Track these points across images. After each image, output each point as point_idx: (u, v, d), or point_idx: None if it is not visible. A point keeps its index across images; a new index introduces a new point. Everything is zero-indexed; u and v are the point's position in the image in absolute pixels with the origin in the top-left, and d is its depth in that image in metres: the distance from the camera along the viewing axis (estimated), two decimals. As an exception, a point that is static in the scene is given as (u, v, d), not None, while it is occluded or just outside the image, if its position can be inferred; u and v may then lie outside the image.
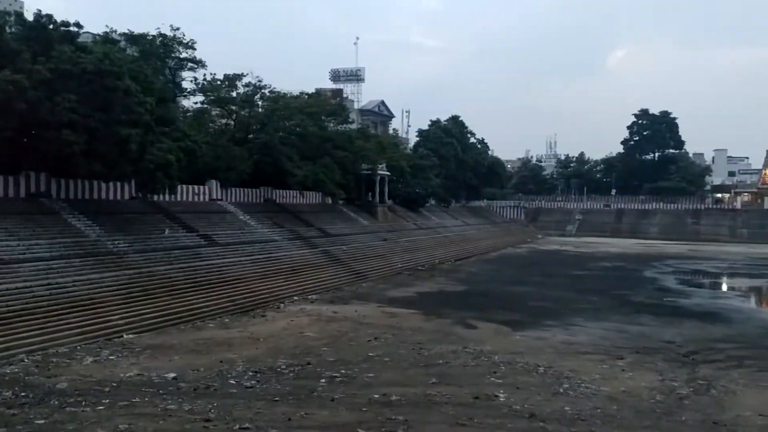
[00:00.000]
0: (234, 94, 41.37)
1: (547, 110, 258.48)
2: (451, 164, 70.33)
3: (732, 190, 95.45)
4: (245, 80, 41.15)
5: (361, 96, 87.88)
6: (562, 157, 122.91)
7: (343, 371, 15.44)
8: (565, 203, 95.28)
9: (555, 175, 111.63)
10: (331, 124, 48.21)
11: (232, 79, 40.79)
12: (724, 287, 38.57)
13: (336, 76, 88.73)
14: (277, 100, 42.47)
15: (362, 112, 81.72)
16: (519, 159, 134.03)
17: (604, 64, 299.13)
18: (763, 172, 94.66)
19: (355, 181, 49.12)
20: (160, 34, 37.01)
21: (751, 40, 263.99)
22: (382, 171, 51.90)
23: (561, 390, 14.21)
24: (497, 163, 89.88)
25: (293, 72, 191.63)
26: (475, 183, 78.52)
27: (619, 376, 15.59)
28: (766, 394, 14.27)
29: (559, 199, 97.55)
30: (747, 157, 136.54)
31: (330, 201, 45.83)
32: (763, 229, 77.76)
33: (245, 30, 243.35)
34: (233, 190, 37.36)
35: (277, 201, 40.66)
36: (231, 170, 36.30)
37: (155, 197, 29.84)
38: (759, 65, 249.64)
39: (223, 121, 43.09)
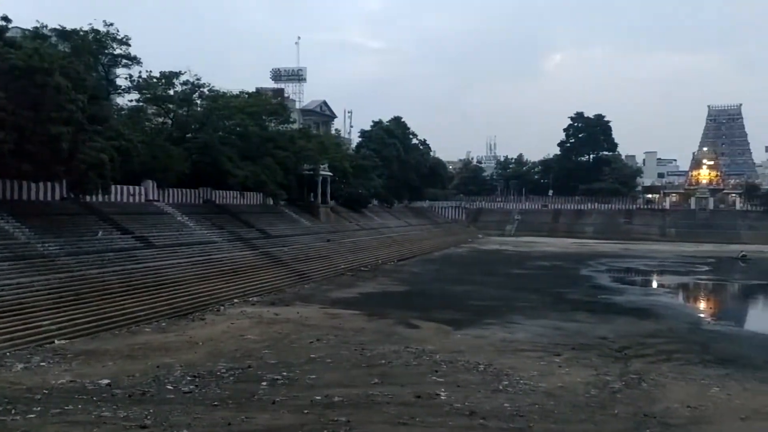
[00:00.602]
0: (171, 92, 40.24)
1: (487, 112, 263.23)
2: (394, 165, 70.67)
3: (661, 191, 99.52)
4: (183, 78, 40.03)
5: (303, 96, 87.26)
6: (502, 159, 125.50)
7: (284, 373, 15.27)
8: (504, 204, 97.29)
9: (495, 176, 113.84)
10: (273, 124, 47.65)
11: (168, 77, 39.68)
12: (655, 284, 40.14)
13: (277, 75, 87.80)
14: (217, 99, 41.62)
15: (304, 112, 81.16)
16: (460, 160, 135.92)
17: (543, 68, 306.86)
18: (690, 173, 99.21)
19: (297, 181, 48.68)
20: (93, 30, 35.66)
21: (680, 46, 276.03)
22: (325, 171, 51.67)
23: (500, 387, 14.46)
24: (439, 164, 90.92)
25: (233, 71, 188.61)
26: (417, 184, 79.14)
27: (556, 372, 15.99)
28: (693, 386, 14.88)
29: (498, 200, 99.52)
30: (675, 160, 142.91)
31: (271, 202, 45.28)
32: (690, 228, 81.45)
33: (182, 27, 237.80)
34: (171, 190, 36.43)
35: (217, 202, 39.89)
36: (168, 170, 35.36)
37: (88, 198, 28.72)
38: (687, 71, 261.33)
39: (160, 119, 41.93)
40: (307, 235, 43.09)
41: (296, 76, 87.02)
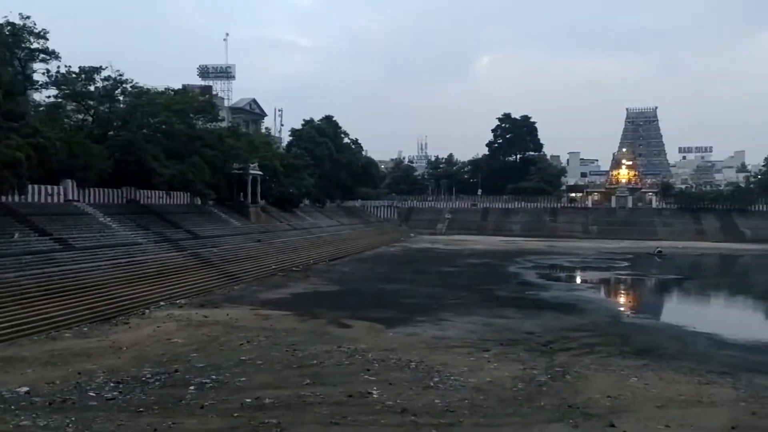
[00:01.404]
0: (92, 88, 38.54)
1: (418, 112, 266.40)
2: (326, 164, 70.41)
3: (584, 190, 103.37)
4: (104, 74, 38.39)
5: (232, 94, 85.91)
6: (433, 159, 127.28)
7: (213, 377, 14.95)
8: (435, 203, 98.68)
9: (426, 176, 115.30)
10: (200, 122, 46.49)
11: (89, 72, 38.01)
12: (578, 280, 41.61)
13: (205, 72, 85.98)
14: (141, 95, 40.18)
15: (233, 110, 79.84)
16: (392, 160, 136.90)
17: (473, 69, 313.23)
18: (610, 173, 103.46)
19: (226, 180, 47.76)
20: (8, 23, 33.72)
21: (600, 51, 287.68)
22: (254, 170, 50.91)
23: (432, 384, 14.65)
24: (371, 163, 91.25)
25: (158, 67, 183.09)
26: (349, 183, 79.13)
27: (485, 367, 16.33)
28: (613, 377, 15.52)
29: (430, 199, 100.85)
30: (597, 160, 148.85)
31: (199, 201, 44.25)
32: (611, 225, 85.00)
33: (104, 21, 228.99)
34: (92, 190, 35.02)
35: (142, 202, 38.63)
36: (89, 169, 33.93)
37: (3, 198, 27.27)
38: (607, 74, 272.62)
39: (80, 116, 40.19)
40: (237, 236, 42.35)
41: (225, 73, 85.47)
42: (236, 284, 32.19)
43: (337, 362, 16.66)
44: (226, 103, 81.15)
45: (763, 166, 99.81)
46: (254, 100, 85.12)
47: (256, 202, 51.52)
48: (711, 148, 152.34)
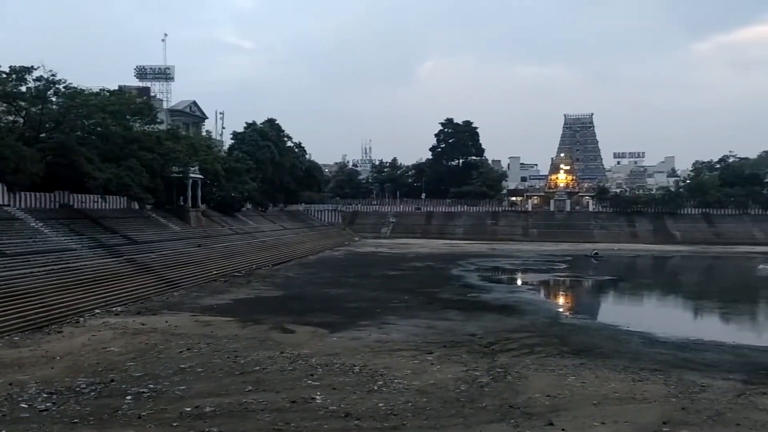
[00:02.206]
0: (23, 88, 36.96)
1: (363, 116, 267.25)
2: (268, 168, 69.62)
3: (524, 194, 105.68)
4: (36, 74, 36.79)
5: (171, 95, 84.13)
6: (377, 163, 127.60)
7: (151, 386, 14.55)
8: (380, 207, 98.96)
9: (370, 180, 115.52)
10: (137, 125, 45.19)
11: (20, 72, 36.36)
12: (519, 282, 42.48)
13: (142, 73, 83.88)
14: (74, 96, 38.65)
15: (172, 112, 78.13)
16: (336, 163, 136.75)
17: (417, 73, 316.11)
18: (549, 177, 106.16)
19: (165, 184, 46.56)
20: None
21: (542, 58, 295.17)
22: (195, 174, 49.87)
23: (375, 387, 14.67)
24: (315, 167, 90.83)
25: (94, 68, 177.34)
26: (293, 187, 78.50)
27: (428, 369, 16.46)
28: (552, 376, 15.90)
29: (374, 203, 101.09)
30: (536, 164, 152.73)
31: (137, 206, 43.01)
32: (550, 228, 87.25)
33: (38, 20, 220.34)
34: (23, 194, 33.58)
35: (76, 206, 37.28)
36: (19, 172, 32.46)
37: None
38: (546, 81, 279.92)
39: (10, 118, 38.44)
40: (177, 241, 41.38)
41: (163, 74, 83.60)
42: (176, 290, 31.43)
43: (280, 368, 16.48)
44: (165, 105, 79.30)
45: (691, 171, 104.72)
46: (194, 103, 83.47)
47: (197, 207, 50.49)
48: (643, 153, 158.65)
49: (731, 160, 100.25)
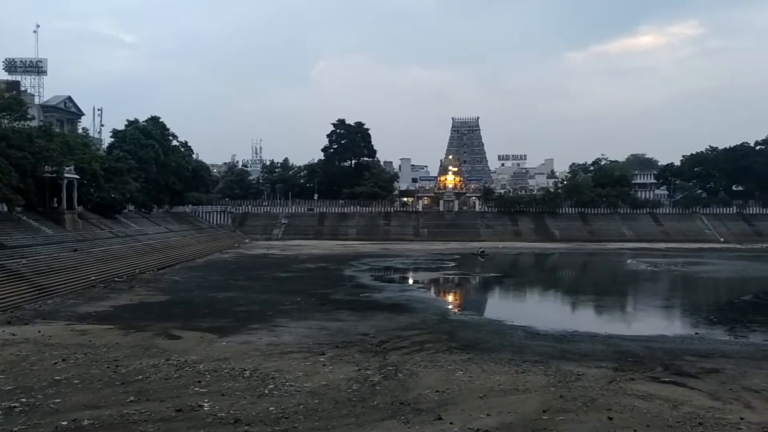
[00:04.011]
0: None
1: (253, 115, 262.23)
2: (152, 168, 66.66)
3: (415, 195, 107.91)
4: None
5: (44, 90, 78.70)
6: (268, 163, 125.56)
7: (23, 400, 13.48)
8: (271, 208, 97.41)
9: (261, 180, 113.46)
10: (6, 121, 41.82)
11: None
12: (410, 281, 43.30)
13: (11, 66, 77.93)
14: (-69, 88, 35.29)
15: (45, 108, 73.09)
16: (225, 164, 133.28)
17: (309, 73, 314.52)
18: (438, 179, 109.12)
19: (37, 185, 43.38)
20: None
21: (430, 63, 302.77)
22: (70, 174, 46.79)
23: (266, 391, 14.40)
24: (202, 167, 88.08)
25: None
26: (179, 188, 75.64)
27: (320, 371, 16.38)
28: (441, 372, 16.32)
29: (265, 204, 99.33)
30: (426, 166, 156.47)
31: (5, 208, 39.74)
32: (439, 228, 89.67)
33: None
34: None
35: (-68, 209, 33.94)
36: None
37: None
38: (434, 84, 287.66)
39: None
40: (51, 245, 38.66)
41: (35, 68, 78.03)
42: (50, 298, 29.33)
43: (165, 376, 15.78)
44: (36, 101, 73.98)
45: (568, 173, 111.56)
46: (70, 98, 78.42)
47: (73, 209, 47.41)
48: (525, 156, 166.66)
49: (603, 162, 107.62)
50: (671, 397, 13.90)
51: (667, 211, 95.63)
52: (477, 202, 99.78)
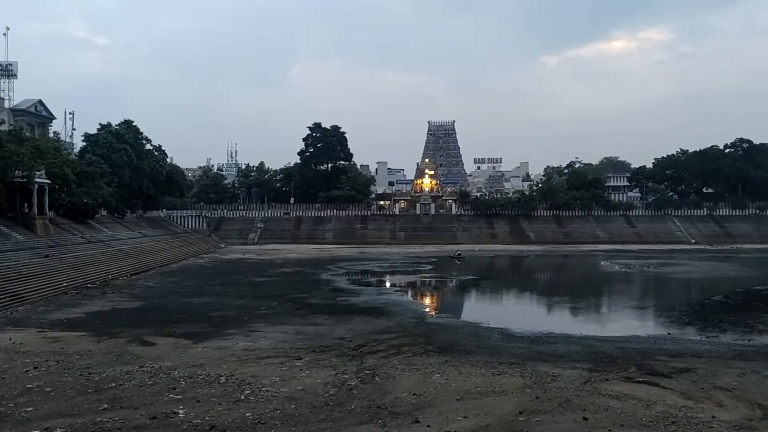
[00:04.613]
0: None
1: (229, 119, 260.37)
2: (125, 172, 65.81)
3: (392, 198, 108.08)
4: None
5: (14, 94, 77.30)
6: (243, 167, 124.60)
7: (-8, 410, 13.20)
8: (247, 212, 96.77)
9: (237, 184, 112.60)
10: (-26, 125, 41.06)
11: None
12: (387, 284, 43.34)
13: (-20, 69, 76.46)
14: None
15: (15, 112, 71.82)
16: (200, 167, 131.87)
17: (285, 77, 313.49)
18: (415, 182, 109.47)
19: (7, 190, 42.58)
20: None
21: (406, 66, 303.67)
22: (41, 179, 45.99)
23: (242, 397, 14.28)
24: (176, 171, 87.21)
25: None
26: (152, 192, 74.79)
27: (297, 375, 16.29)
28: (418, 375, 16.34)
29: (241, 208, 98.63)
30: (403, 169, 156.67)
31: (-27, 214, 38.98)
32: (416, 231, 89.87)
33: None
34: None
35: None
36: None
37: None
38: (411, 88, 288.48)
39: None
40: (21, 251, 37.93)
41: (5, 71, 76.65)
42: (21, 305, 28.78)
43: (139, 383, 15.57)
44: (6, 105, 72.71)
45: (543, 176, 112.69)
46: (41, 102, 77.15)
47: (44, 214, 46.58)
48: (501, 159, 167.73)
49: (577, 165, 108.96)
50: (645, 397, 14.09)
51: (640, 213, 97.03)
52: (453, 205, 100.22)
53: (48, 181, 46.97)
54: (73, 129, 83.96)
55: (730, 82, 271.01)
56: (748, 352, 19.81)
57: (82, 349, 19.61)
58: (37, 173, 45.34)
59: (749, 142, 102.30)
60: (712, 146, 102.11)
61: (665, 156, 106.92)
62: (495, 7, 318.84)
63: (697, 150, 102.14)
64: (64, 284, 34.87)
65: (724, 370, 16.98)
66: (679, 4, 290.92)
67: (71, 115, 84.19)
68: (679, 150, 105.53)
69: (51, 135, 70.48)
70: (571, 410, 13.15)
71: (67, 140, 75.67)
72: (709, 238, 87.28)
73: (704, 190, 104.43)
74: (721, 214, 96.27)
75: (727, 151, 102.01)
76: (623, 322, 27.16)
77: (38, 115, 76.66)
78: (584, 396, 14.23)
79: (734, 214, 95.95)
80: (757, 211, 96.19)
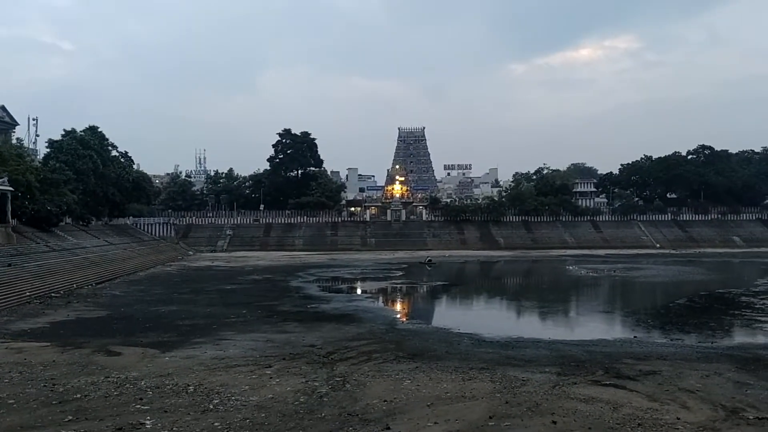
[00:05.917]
0: None
1: (197, 125, 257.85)
2: (90, 179, 64.62)
3: (362, 204, 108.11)
4: None
5: (-25, 99, 75.38)
6: (212, 173, 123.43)
7: (-49, 424, 12.81)
8: (215, 219, 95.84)
9: (205, 191, 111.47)
10: (-68, 130, 39.93)
11: None
12: (358, 291, 43.23)
13: (-62, 73, 74.45)
14: None
15: (-24, 117, 70.00)
16: (168, 174, 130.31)
17: (255, 83, 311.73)
18: (385, 188, 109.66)
19: (-33, 197, 41.51)
20: None
21: (376, 73, 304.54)
22: (4, 186, 44.90)
23: (211, 406, 14.09)
24: (143, 177, 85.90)
25: None
26: (118, 199, 73.56)
27: (267, 384, 16.14)
28: (389, 381, 16.32)
29: (209, 215, 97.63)
30: (374, 176, 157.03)
31: (-69, 222, 37.84)
32: (387, 237, 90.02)
33: None
34: None
35: None
36: None
37: None
38: (380, 95, 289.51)
39: None
40: (-18, 260, 36.94)
41: (-35, 75, 74.74)
42: (-20, 316, 28.01)
43: (105, 394, 15.26)
44: (-34, 110, 70.87)
45: (512, 182, 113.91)
46: (3, 107, 75.33)
47: (6, 222, 45.45)
48: (471, 165, 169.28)
49: (545, 171, 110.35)
50: (611, 400, 14.29)
51: (607, 219, 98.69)
52: (424, 211, 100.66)
53: (11, 188, 45.88)
54: (37, 135, 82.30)
55: (693, 91, 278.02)
56: (711, 354, 20.25)
57: (45, 360, 19.15)
58: (0, 180, 44.32)
59: (710, 148, 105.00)
60: (675, 153, 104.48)
61: (630, 162, 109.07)
62: (465, 15, 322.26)
63: (661, 156, 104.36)
64: (28, 293, 34.05)
65: (688, 372, 17.32)
66: (646, 13, 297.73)
67: (35, 121, 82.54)
68: (644, 156, 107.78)
69: (14, 141, 68.86)
70: (540, 414, 13.27)
71: (30, 146, 74.08)
72: (674, 242, 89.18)
73: (668, 195, 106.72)
74: (684, 219, 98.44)
75: (689, 157, 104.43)
76: (591, 326, 27.55)
77: (0, 121, 74.89)
78: (553, 400, 14.38)
79: (697, 219, 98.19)
80: (719, 216, 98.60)
